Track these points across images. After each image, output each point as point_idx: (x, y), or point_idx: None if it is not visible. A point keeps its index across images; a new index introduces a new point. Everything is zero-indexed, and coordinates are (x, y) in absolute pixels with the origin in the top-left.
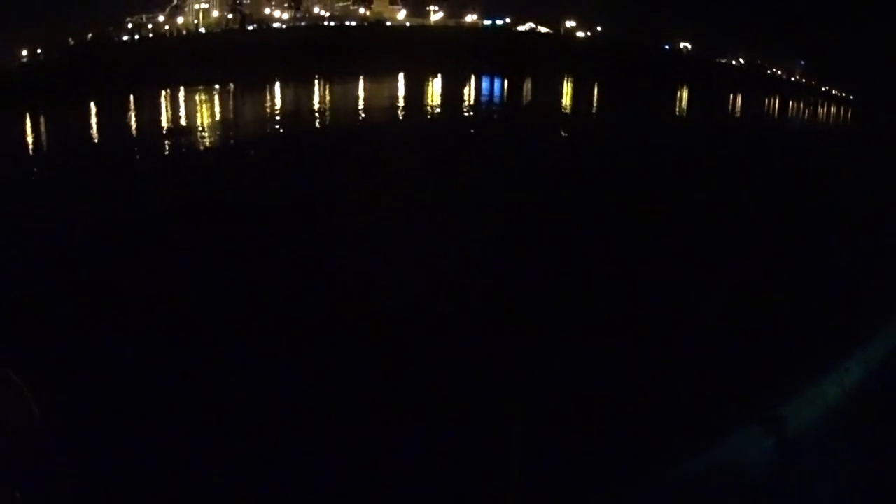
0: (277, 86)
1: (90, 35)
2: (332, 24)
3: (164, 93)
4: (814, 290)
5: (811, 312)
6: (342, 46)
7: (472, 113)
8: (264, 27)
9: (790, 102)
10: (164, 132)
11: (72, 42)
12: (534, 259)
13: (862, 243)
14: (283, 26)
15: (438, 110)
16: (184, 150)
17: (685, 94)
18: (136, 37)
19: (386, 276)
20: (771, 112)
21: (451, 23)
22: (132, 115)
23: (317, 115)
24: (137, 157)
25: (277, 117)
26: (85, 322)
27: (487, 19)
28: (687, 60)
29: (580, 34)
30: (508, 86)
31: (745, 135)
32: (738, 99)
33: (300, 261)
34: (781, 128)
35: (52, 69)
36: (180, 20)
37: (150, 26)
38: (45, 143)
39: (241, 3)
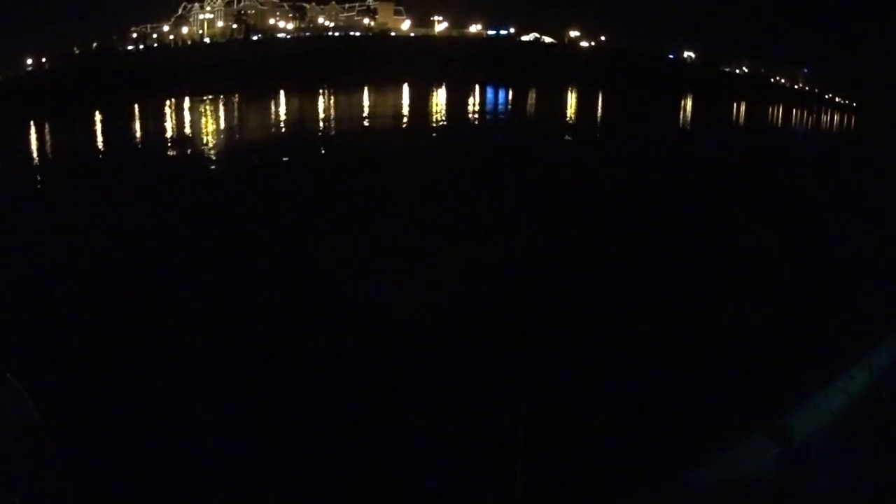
0: (282, 96)
1: (95, 44)
2: (336, 34)
3: (168, 102)
4: (819, 296)
5: (816, 319)
6: (347, 57)
7: (477, 123)
8: (269, 37)
9: (794, 110)
10: (169, 142)
11: (77, 51)
12: (546, 269)
13: (868, 250)
14: (288, 37)
15: (444, 122)
16: (188, 160)
17: (689, 102)
18: (141, 46)
19: (399, 287)
20: (775, 120)
21: (455, 33)
22: (136, 124)
23: (321, 125)
24: (142, 166)
25: (282, 128)
26: (92, 334)
27: (492, 29)
28: (691, 69)
29: (584, 44)
30: (513, 96)
31: (749, 143)
32: (742, 107)
33: (307, 271)
34: (786, 136)
35: (57, 78)
36: (185, 30)
37: (154, 36)
38: (49, 152)
39: (245, 14)
